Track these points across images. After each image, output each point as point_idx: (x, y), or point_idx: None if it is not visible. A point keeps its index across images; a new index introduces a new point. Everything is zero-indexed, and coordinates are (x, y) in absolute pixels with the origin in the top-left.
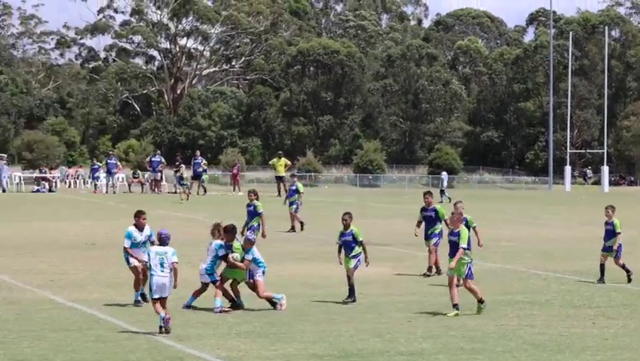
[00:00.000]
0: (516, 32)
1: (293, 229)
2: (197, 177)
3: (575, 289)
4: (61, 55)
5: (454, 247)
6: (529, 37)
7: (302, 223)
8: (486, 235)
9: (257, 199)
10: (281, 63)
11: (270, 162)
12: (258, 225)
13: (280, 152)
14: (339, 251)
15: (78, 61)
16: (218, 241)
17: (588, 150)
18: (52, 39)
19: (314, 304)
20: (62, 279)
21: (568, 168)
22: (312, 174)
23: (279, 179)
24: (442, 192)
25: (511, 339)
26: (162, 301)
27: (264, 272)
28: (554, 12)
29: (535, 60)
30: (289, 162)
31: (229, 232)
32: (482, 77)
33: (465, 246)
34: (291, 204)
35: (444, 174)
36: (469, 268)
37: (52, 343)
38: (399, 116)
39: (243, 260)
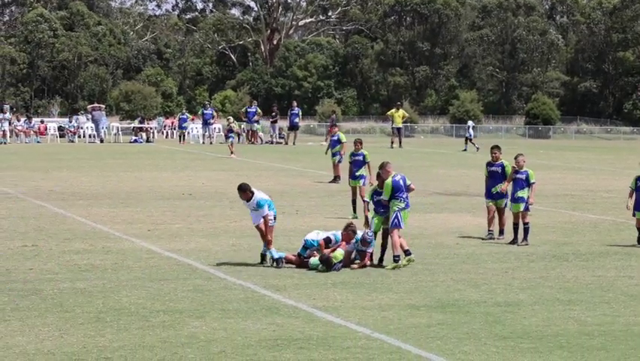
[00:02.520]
0: None
1: (337, 178)
2: (293, 127)
3: None
4: (159, 6)
5: None
6: None
7: (338, 177)
8: (584, 186)
9: (362, 147)
10: (377, 13)
11: (389, 113)
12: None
13: (399, 102)
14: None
15: (175, 12)
16: None
17: None
18: None
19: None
20: (159, 229)
21: None
22: (409, 124)
23: (397, 130)
24: (467, 139)
25: (608, 290)
26: None
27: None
28: None
29: (635, 9)
30: (407, 114)
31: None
32: (580, 26)
33: (386, 198)
34: (333, 155)
35: (470, 123)
36: (396, 217)
37: (150, 292)
38: (495, 67)
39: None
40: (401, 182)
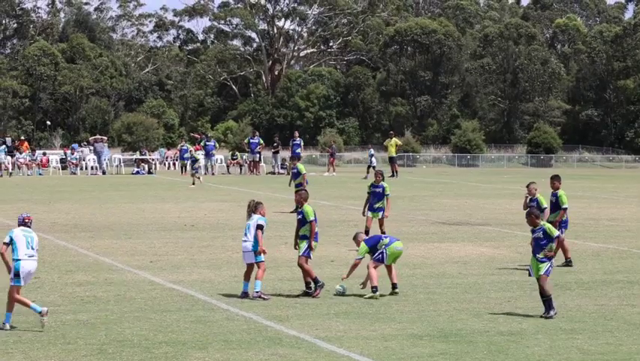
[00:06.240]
0: (616, 9)
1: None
2: (295, 158)
3: None
4: (160, 37)
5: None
6: (629, 14)
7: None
8: (586, 214)
9: (383, 180)
10: (378, 43)
11: (384, 143)
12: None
13: (391, 132)
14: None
15: (176, 43)
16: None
17: None
18: (150, 22)
19: (413, 285)
20: (162, 260)
21: None
22: (411, 154)
23: (390, 160)
24: (370, 167)
25: (611, 319)
26: None
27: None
28: None
29: (636, 37)
30: (400, 142)
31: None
32: (581, 55)
33: (361, 257)
34: (297, 186)
35: (371, 151)
36: (381, 253)
37: (153, 323)
38: (497, 96)
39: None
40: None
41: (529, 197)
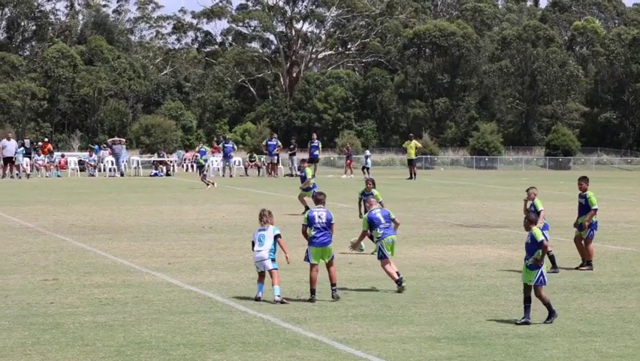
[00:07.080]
0: (634, 12)
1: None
2: (313, 160)
3: None
4: (178, 39)
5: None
6: None
7: (307, 208)
8: (605, 217)
9: (374, 187)
10: (397, 45)
11: (404, 145)
12: None
13: (411, 134)
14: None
15: (194, 45)
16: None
17: None
18: (168, 24)
19: (431, 287)
20: (179, 262)
21: None
22: (429, 156)
23: (409, 162)
24: (364, 169)
25: (630, 321)
26: None
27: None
28: None
29: None
30: (419, 145)
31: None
32: (599, 57)
33: (365, 229)
34: (305, 190)
35: (367, 152)
36: (380, 250)
37: (171, 325)
38: (515, 98)
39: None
40: (379, 215)
41: (530, 202)
